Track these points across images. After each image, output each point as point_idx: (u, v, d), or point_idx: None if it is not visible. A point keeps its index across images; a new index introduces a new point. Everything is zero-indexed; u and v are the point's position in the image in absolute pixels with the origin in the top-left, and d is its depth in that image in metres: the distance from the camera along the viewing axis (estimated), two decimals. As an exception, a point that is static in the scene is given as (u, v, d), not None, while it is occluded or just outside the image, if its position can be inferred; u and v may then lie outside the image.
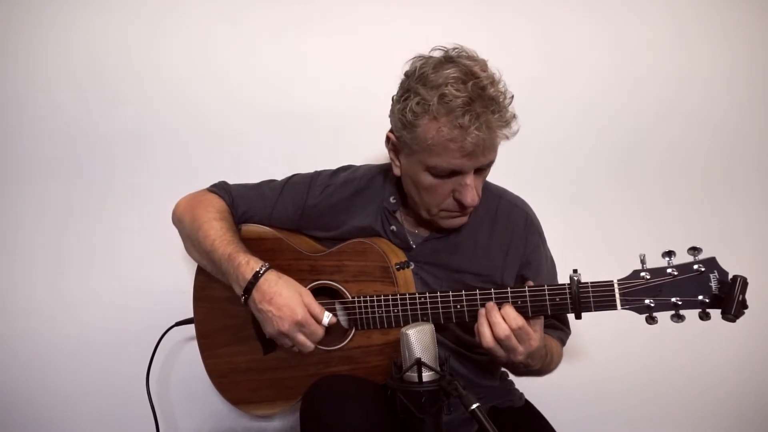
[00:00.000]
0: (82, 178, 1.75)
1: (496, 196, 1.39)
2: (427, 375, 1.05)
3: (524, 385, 1.47)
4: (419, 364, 1.04)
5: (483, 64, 1.18)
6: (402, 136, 1.21)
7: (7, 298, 1.75)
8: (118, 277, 1.76)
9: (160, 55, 1.72)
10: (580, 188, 1.83)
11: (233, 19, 1.73)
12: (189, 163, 1.75)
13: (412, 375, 1.05)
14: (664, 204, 1.81)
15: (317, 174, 1.44)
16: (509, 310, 1.13)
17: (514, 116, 1.18)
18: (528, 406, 1.43)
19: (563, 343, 1.40)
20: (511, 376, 1.49)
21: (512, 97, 1.19)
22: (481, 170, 1.22)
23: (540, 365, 1.24)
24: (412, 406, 1.03)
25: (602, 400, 1.86)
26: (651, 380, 1.86)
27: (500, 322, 1.12)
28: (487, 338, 1.13)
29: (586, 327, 1.71)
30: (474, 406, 0.99)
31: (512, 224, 1.36)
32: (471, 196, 1.20)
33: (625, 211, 1.81)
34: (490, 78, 1.15)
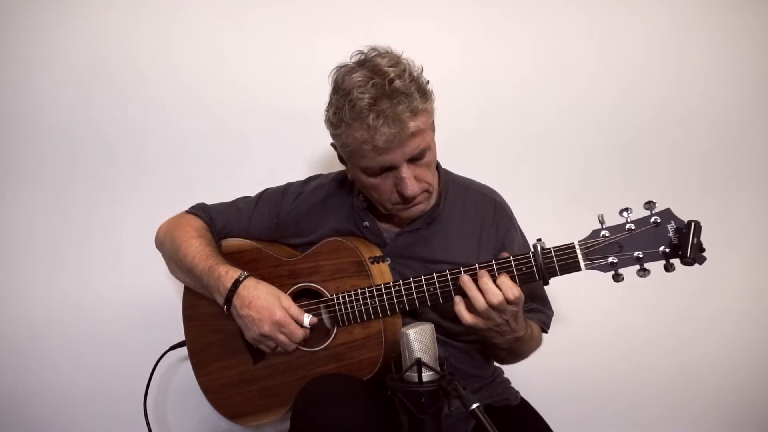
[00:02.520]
0: (82, 179, 1.77)
1: (463, 187, 1.42)
2: (427, 375, 1.06)
3: (521, 384, 1.47)
4: (419, 364, 1.06)
5: (392, 58, 1.20)
6: (336, 145, 1.28)
7: (7, 301, 1.77)
8: (117, 290, 1.78)
9: (160, 56, 1.76)
10: (579, 186, 1.84)
11: (234, 20, 1.77)
12: (189, 163, 1.78)
13: (412, 375, 1.06)
14: (664, 203, 1.81)
15: (289, 185, 1.50)
16: (505, 280, 1.13)
17: (427, 102, 1.20)
18: (524, 404, 1.43)
19: (546, 326, 1.40)
20: (507, 374, 1.48)
21: (428, 82, 1.22)
22: (416, 159, 1.22)
23: (524, 332, 1.23)
24: (412, 405, 1.04)
25: (599, 399, 1.85)
26: (648, 379, 1.85)
27: (493, 289, 1.13)
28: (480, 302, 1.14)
29: (583, 326, 1.73)
30: (474, 406, 1.00)
31: (481, 212, 1.38)
32: (410, 187, 1.22)
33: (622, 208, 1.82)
34: (397, 71, 1.17)
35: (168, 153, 1.78)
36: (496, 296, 1.12)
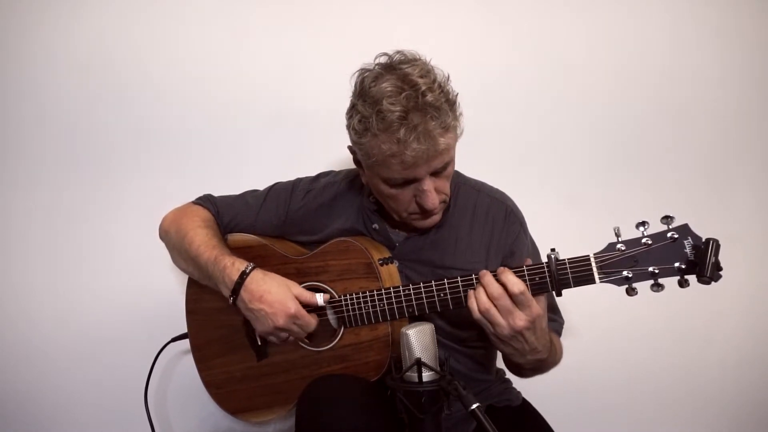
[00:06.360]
0: (82, 176, 1.76)
1: (474, 191, 1.39)
2: (427, 375, 1.05)
3: (521, 384, 1.46)
4: (419, 364, 1.05)
5: (422, 68, 1.16)
6: (356, 151, 1.25)
7: (7, 299, 1.77)
8: (118, 283, 1.77)
9: (160, 56, 1.74)
10: (579, 187, 1.83)
11: (234, 19, 1.75)
12: (190, 161, 1.77)
13: (412, 375, 1.06)
14: (667, 202, 1.78)
15: (299, 180, 1.48)
16: (509, 275, 1.10)
17: (456, 117, 1.17)
18: (525, 405, 1.42)
19: (559, 334, 1.39)
20: (508, 375, 1.47)
21: (456, 95, 1.18)
22: (438, 172, 1.20)
23: (548, 354, 1.21)
24: (412, 406, 1.04)
25: (600, 399, 1.85)
26: (649, 379, 1.86)
27: (493, 283, 1.10)
28: (477, 300, 1.11)
29: (584, 327, 1.72)
30: (474, 406, 0.99)
31: (492, 217, 1.36)
32: (431, 200, 1.20)
33: (625, 209, 1.80)
34: (428, 83, 1.13)
35: (169, 150, 1.76)
36: (496, 289, 1.09)
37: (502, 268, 1.13)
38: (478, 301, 1.12)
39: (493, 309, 1.10)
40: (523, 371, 1.33)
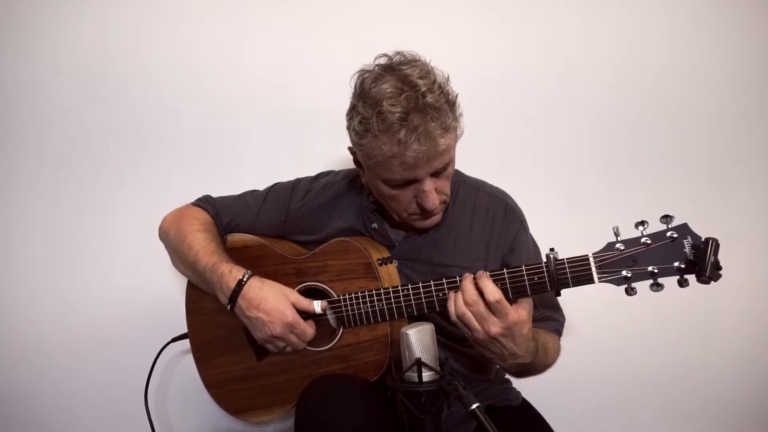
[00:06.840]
0: (82, 180, 1.77)
1: (474, 189, 1.39)
2: (427, 375, 1.05)
3: (522, 384, 1.46)
4: (419, 364, 1.05)
5: (422, 69, 1.16)
6: (356, 152, 1.25)
7: (5, 302, 1.77)
8: (118, 283, 1.78)
9: (160, 56, 1.75)
10: (579, 187, 1.83)
11: (234, 19, 1.76)
12: (189, 160, 1.77)
13: (412, 375, 1.06)
14: (666, 201, 1.81)
15: (298, 180, 1.48)
16: (487, 282, 1.11)
17: (456, 118, 1.17)
18: (525, 405, 1.42)
19: (559, 333, 1.38)
20: (508, 375, 1.47)
21: (456, 95, 1.18)
22: (439, 172, 1.21)
23: (532, 359, 1.20)
24: (412, 406, 1.04)
25: (600, 399, 1.85)
26: (649, 379, 1.86)
27: (470, 288, 1.11)
28: (455, 305, 1.12)
29: (583, 326, 1.72)
30: (474, 406, 1.00)
31: (492, 215, 1.36)
32: (431, 200, 1.20)
33: (624, 209, 1.79)
34: (428, 84, 1.13)
35: (168, 150, 1.77)
36: (471, 296, 1.10)
37: (480, 272, 1.13)
38: (455, 304, 1.13)
39: (469, 314, 1.12)
40: (510, 373, 1.34)
